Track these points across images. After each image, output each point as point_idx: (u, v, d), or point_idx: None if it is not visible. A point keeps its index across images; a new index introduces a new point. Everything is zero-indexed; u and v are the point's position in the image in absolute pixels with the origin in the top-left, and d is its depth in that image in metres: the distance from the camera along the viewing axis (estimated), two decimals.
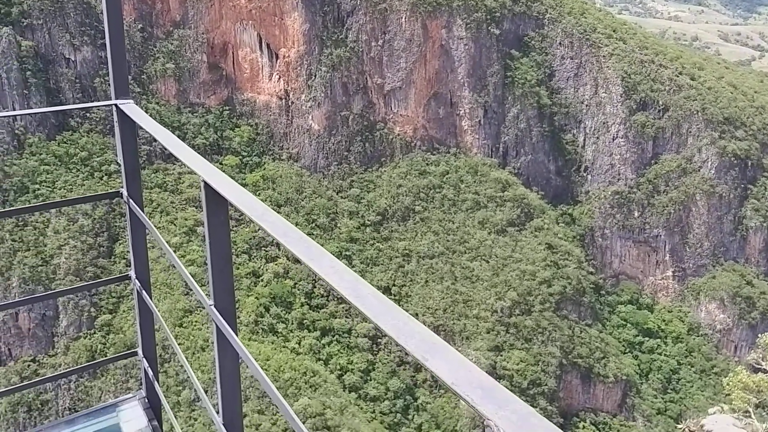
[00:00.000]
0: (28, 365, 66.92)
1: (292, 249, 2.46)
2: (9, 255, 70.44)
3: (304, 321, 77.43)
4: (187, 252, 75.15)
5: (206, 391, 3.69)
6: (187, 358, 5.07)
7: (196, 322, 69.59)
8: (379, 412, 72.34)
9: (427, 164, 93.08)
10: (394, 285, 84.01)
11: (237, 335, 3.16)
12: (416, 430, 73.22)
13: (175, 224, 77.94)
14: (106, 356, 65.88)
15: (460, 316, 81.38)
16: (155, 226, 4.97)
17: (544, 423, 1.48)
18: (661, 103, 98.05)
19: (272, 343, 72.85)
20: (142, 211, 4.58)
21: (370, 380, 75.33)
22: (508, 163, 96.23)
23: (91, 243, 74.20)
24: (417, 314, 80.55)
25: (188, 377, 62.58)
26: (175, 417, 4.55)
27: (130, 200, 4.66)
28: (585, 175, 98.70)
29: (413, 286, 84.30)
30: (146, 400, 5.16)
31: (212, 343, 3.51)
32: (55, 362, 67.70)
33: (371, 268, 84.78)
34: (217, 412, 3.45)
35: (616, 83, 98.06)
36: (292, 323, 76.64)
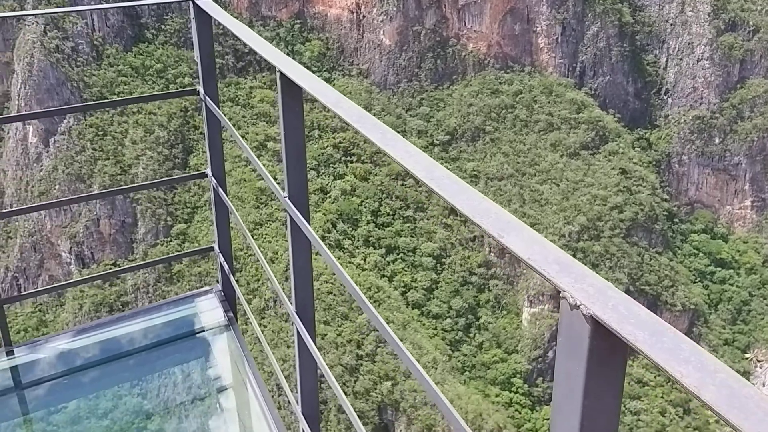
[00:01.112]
0: (110, 268, 70.61)
1: (368, 134, 2.45)
2: (90, 163, 73.33)
3: (370, 238, 78.57)
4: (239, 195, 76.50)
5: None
6: (248, 290, 5.24)
7: (265, 234, 71.54)
8: (440, 329, 73.74)
9: (500, 83, 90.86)
10: None
11: (310, 225, 3.22)
12: (477, 348, 74.52)
13: (246, 138, 79.21)
14: (181, 262, 68.85)
15: None
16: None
17: (621, 296, 1.45)
18: (751, 23, 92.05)
19: (338, 258, 74.46)
20: (218, 107, 4.63)
21: (433, 298, 76.51)
22: (584, 83, 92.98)
23: (166, 155, 76.39)
24: (483, 236, 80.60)
25: (262, 270, 64.86)
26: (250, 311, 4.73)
27: (206, 98, 4.72)
28: (665, 98, 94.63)
29: None
30: (222, 294, 5.38)
31: (287, 235, 3.58)
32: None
33: None
34: (291, 303, 3.56)
35: (704, 1, 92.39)
36: (358, 240, 77.91)
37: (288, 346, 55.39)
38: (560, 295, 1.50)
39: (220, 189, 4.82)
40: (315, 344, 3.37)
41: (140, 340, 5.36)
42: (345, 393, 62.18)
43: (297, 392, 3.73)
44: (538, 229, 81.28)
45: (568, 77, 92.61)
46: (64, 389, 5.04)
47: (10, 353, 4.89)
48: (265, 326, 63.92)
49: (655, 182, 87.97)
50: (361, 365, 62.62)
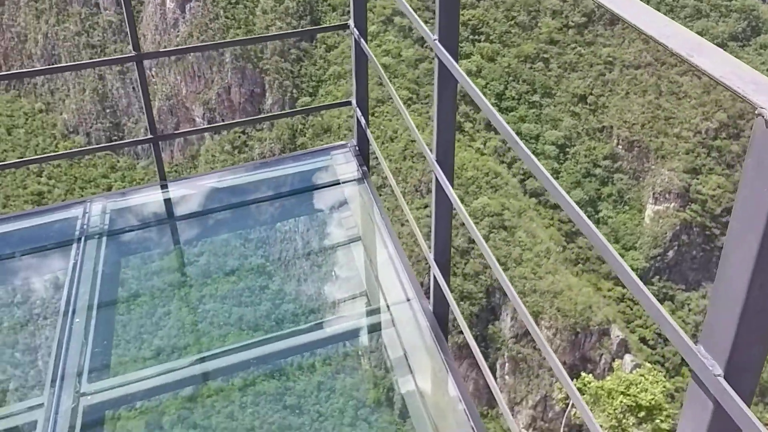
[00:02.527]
0: (239, 136, 73.69)
1: None
2: (222, 32, 75.08)
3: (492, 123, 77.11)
4: (382, 42, 75.74)
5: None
6: (379, 146, 5.34)
7: (386, 112, 71.74)
8: (557, 219, 72.80)
9: None
10: (591, 94, 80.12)
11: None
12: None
13: (372, 12, 78.08)
14: (304, 134, 70.79)
15: (658, 134, 76.91)
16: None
17: None
18: None
19: (458, 141, 73.89)
20: (366, 42, 4.67)
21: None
22: None
23: (295, 25, 76.88)
24: (612, 127, 77.33)
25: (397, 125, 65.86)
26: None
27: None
28: None
29: (612, 97, 79.96)
30: (356, 148, 5.49)
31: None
32: (261, 135, 73.90)
33: (569, 73, 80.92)
34: (431, 151, 3.58)
35: None
36: (480, 123, 76.70)
37: (417, 208, 56.27)
38: (755, 113, 1.41)
39: (361, 40, 4.80)
40: (453, 190, 3.39)
41: (276, 187, 5.63)
42: (455, 274, 63.54)
43: (431, 241, 3.81)
44: (672, 123, 76.76)
45: None
46: (207, 225, 5.43)
47: (164, 187, 5.31)
48: (397, 181, 65.31)
49: None
50: (473, 248, 63.33)
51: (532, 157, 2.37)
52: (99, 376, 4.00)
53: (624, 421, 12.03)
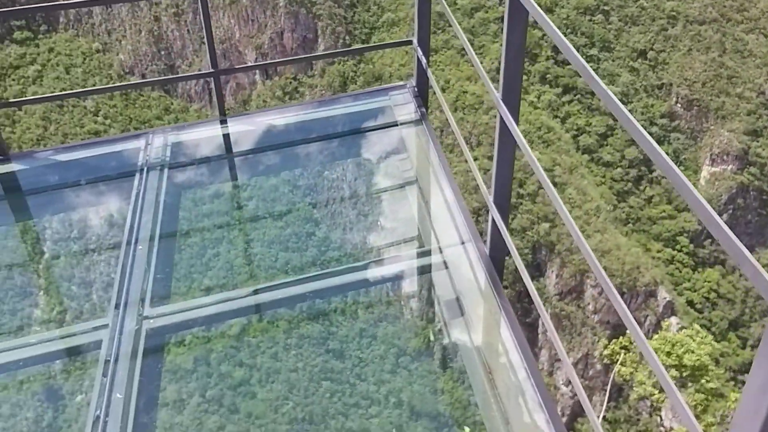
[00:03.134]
0: (290, 82, 73.75)
1: None
2: None
3: (547, 75, 75.41)
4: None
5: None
6: (432, 95, 5.30)
7: (438, 62, 70.71)
8: (609, 177, 71.42)
9: None
10: (651, 49, 77.46)
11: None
12: (645, 202, 71.92)
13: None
14: (355, 82, 70.38)
15: (719, 93, 74.22)
16: None
17: None
18: None
19: None
20: None
21: (606, 145, 73.55)
22: None
23: None
24: (671, 84, 74.89)
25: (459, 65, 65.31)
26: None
27: None
28: None
29: (673, 53, 77.20)
30: (415, 89, 5.43)
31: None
32: (312, 82, 73.79)
33: (629, 27, 78.20)
34: (497, 90, 3.51)
35: None
36: (535, 76, 75.04)
37: (466, 161, 55.73)
38: None
39: None
40: (518, 129, 3.33)
41: (333, 126, 5.65)
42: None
43: (491, 182, 3.76)
44: (735, 82, 73.94)
45: None
46: (264, 161, 5.49)
47: (223, 122, 5.39)
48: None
49: None
50: (521, 204, 62.73)
51: (619, 104, 2.27)
52: (160, 301, 4.15)
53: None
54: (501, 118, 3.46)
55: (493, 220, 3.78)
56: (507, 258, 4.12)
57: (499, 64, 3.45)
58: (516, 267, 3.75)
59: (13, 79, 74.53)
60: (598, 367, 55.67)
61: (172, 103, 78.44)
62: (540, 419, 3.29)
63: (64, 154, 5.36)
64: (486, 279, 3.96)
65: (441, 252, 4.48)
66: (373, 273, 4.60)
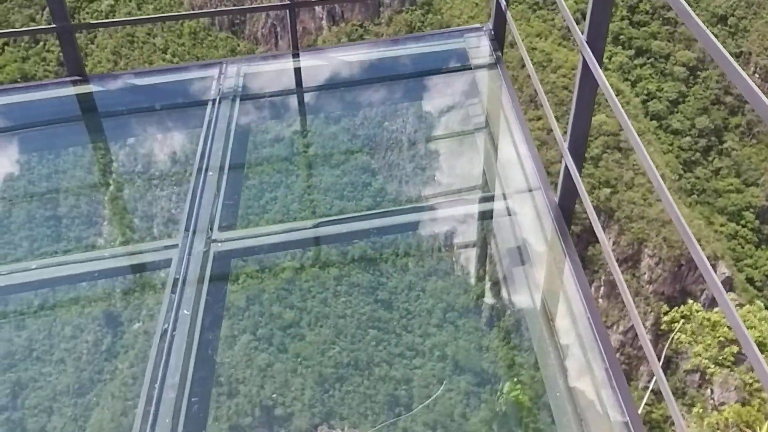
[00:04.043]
0: (356, 29, 73.19)
1: None
2: None
3: (620, 36, 72.86)
4: None
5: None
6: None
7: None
8: (677, 146, 69.27)
9: None
10: (732, 15, 73.91)
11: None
12: (712, 173, 69.66)
13: None
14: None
15: None
16: None
17: None
18: None
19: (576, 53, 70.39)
20: None
21: (677, 113, 71.13)
22: None
23: None
24: (750, 53, 71.57)
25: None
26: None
27: None
28: None
29: (755, 20, 73.53)
30: (492, 32, 5.30)
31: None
32: (378, 30, 73.05)
33: None
34: (582, 32, 3.39)
35: None
36: (607, 36, 72.57)
37: (530, 119, 54.71)
38: None
39: None
40: (603, 73, 3.20)
41: (405, 66, 5.59)
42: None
43: (567, 128, 3.66)
44: None
45: None
46: (334, 98, 5.51)
47: (296, 56, 5.38)
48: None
49: None
50: (583, 167, 61.47)
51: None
52: (228, 227, 4.25)
53: (725, 350, 11.76)
54: (584, 60, 3.33)
55: (566, 168, 3.66)
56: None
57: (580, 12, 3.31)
58: (573, 231, 3.67)
59: (87, 12, 76.04)
60: (648, 337, 54.96)
61: (238, 45, 78.90)
62: (599, 369, 3.23)
63: (141, 78, 5.45)
64: (553, 227, 3.87)
65: (505, 199, 4.40)
66: (434, 215, 4.58)
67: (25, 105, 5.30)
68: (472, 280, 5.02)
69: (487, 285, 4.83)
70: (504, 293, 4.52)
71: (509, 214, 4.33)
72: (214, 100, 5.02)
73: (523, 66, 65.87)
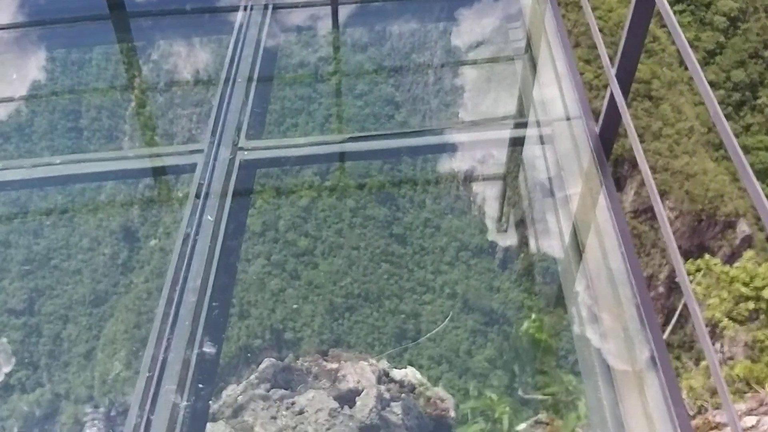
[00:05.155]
0: None
1: None
2: None
3: None
4: None
5: None
6: None
7: None
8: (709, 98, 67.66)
9: None
10: None
11: None
12: (743, 129, 68.23)
13: None
14: None
15: None
16: None
17: None
18: None
19: None
20: None
21: (713, 63, 69.18)
22: None
23: None
24: None
25: None
26: None
27: None
28: None
29: None
30: None
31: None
32: None
33: None
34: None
35: None
36: None
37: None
38: None
39: None
40: None
41: None
42: None
43: (616, 54, 3.41)
44: None
45: None
46: (369, 13, 5.36)
47: None
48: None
49: None
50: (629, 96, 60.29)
51: None
52: (255, 135, 4.21)
53: (740, 306, 11.73)
54: None
55: (611, 96, 3.41)
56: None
57: None
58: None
59: None
60: (661, 290, 55.09)
61: None
62: (629, 304, 3.07)
63: None
64: (592, 158, 3.67)
65: (540, 126, 4.20)
66: (463, 139, 4.44)
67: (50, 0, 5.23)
68: (467, 239, 4.96)
69: (512, 220, 4.75)
70: (530, 229, 4.42)
71: (542, 143, 4.14)
72: (246, 6, 4.92)
73: (560, 3, 63.93)
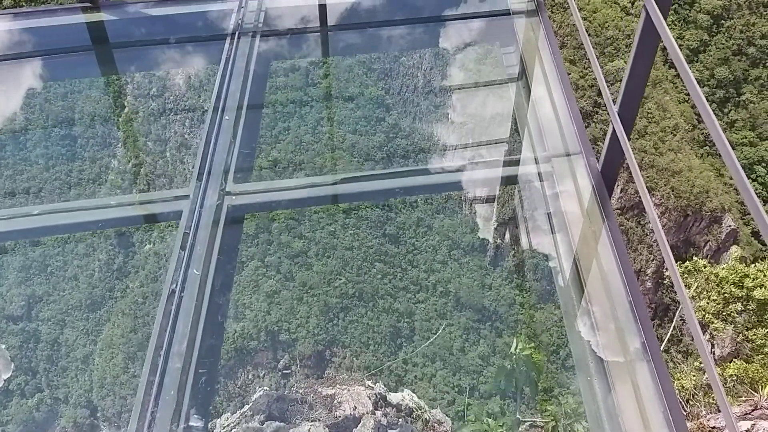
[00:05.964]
0: None
1: None
2: None
3: None
4: None
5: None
6: None
7: None
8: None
9: None
10: None
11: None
12: (727, 125, 68.81)
13: None
14: None
15: None
16: None
17: None
18: None
19: None
20: None
21: (697, 62, 69.78)
22: None
23: None
24: None
25: None
26: None
27: None
28: None
29: None
30: None
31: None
32: None
33: None
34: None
35: None
36: None
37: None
38: None
39: None
40: (667, 28, 2.85)
41: (437, 8, 5.23)
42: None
43: (619, 89, 3.28)
44: None
45: None
46: (361, 38, 5.19)
47: None
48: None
49: None
50: (596, 112, 60.72)
51: None
52: (243, 177, 3.99)
53: (729, 307, 11.86)
54: (647, 13, 3.01)
55: (614, 133, 3.30)
56: None
57: None
58: None
59: None
60: (649, 284, 55.39)
61: None
62: (619, 297, 3.07)
63: (156, 8, 5.01)
64: (594, 196, 3.51)
65: (537, 163, 3.97)
66: (452, 177, 4.20)
67: (31, 31, 4.88)
68: (459, 237, 4.89)
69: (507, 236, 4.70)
70: (522, 227, 4.33)
71: (541, 180, 3.89)
72: (232, 35, 4.68)
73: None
